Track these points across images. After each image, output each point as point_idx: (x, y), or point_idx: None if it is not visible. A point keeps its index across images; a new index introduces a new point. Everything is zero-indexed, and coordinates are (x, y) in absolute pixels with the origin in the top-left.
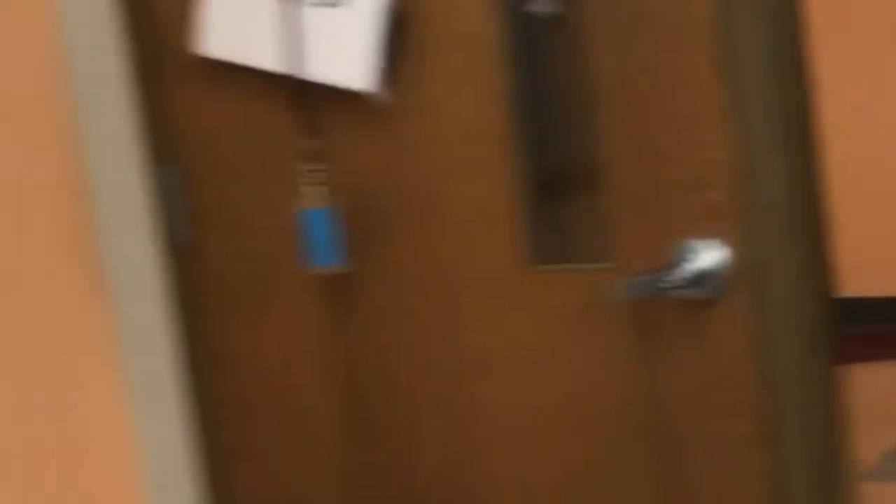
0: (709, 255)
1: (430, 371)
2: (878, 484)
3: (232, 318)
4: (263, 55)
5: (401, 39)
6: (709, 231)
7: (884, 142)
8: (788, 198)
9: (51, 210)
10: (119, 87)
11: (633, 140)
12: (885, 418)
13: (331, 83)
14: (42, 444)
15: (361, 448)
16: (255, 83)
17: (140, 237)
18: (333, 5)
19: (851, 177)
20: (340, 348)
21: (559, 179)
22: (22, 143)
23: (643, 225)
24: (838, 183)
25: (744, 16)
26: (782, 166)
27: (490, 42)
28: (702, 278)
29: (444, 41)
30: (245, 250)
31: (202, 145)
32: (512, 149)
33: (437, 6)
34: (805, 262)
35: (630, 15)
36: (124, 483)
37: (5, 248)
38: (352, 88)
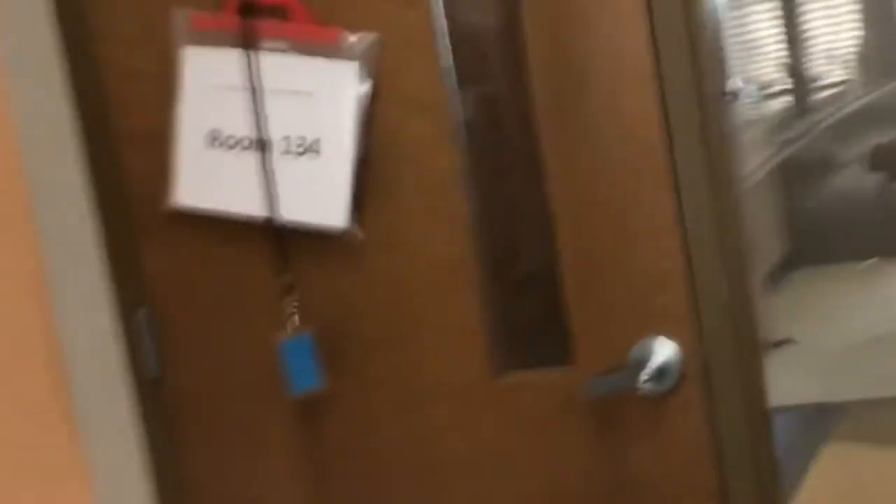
0: (663, 353)
1: (405, 480)
2: None
3: (203, 445)
4: (236, 202)
5: (368, 180)
6: (662, 331)
7: None
8: (728, 297)
9: (23, 356)
10: (89, 240)
11: (589, 253)
12: None
13: (304, 224)
14: None
15: None
16: (228, 226)
17: (111, 375)
18: (304, 153)
19: None
20: (314, 465)
21: (522, 292)
22: None
23: (602, 329)
24: None
25: (687, 139)
26: (721, 271)
27: (451, 174)
28: (658, 374)
29: (408, 178)
30: (218, 381)
31: (174, 286)
32: (477, 271)
33: (400, 147)
34: (746, 358)
35: (579, 140)
36: None
37: None
38: (325, 228)
